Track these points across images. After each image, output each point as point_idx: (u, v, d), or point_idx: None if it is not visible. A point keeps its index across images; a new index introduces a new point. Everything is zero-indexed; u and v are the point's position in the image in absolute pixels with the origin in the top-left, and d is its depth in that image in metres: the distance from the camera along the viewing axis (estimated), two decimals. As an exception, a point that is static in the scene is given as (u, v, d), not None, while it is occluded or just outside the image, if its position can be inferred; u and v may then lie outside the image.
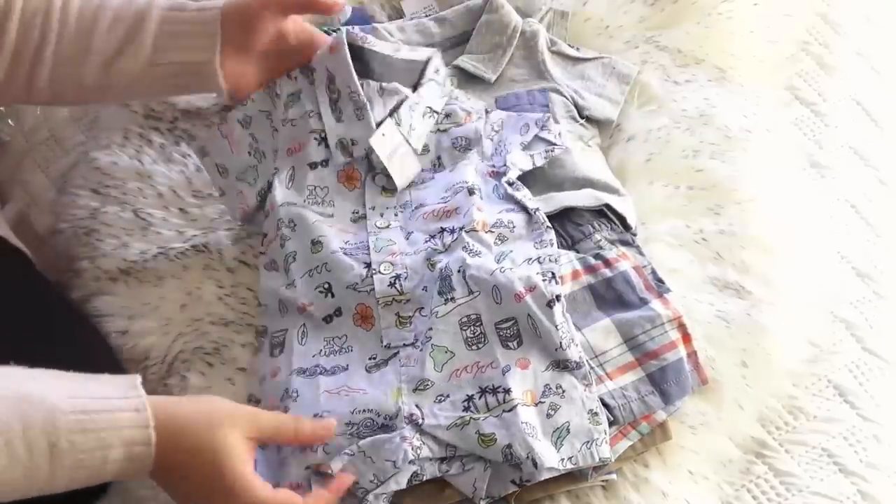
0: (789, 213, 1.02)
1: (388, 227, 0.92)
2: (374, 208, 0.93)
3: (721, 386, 0.91)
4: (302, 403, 0.84)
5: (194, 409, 0.74)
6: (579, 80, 1.07)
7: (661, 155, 1.03)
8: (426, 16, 1.10)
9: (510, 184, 0.94)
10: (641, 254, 0.95)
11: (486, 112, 1.00)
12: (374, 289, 0.87)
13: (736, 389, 0.92)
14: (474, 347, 0.84)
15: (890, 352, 0.98)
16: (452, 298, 0.85)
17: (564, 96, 1.05)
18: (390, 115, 0.94)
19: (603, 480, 0.86)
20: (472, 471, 0.81)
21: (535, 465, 0.80)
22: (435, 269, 0.87)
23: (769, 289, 0.96)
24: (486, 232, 0.89)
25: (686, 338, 0.89)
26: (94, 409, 0.69)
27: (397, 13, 1.13)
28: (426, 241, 0.90)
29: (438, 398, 0.83)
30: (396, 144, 0.94)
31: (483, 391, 0.83)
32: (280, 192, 0.94)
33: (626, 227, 0.97)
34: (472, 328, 0.85)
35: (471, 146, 0.96)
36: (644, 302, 0.90)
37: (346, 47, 0.94)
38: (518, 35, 1.07)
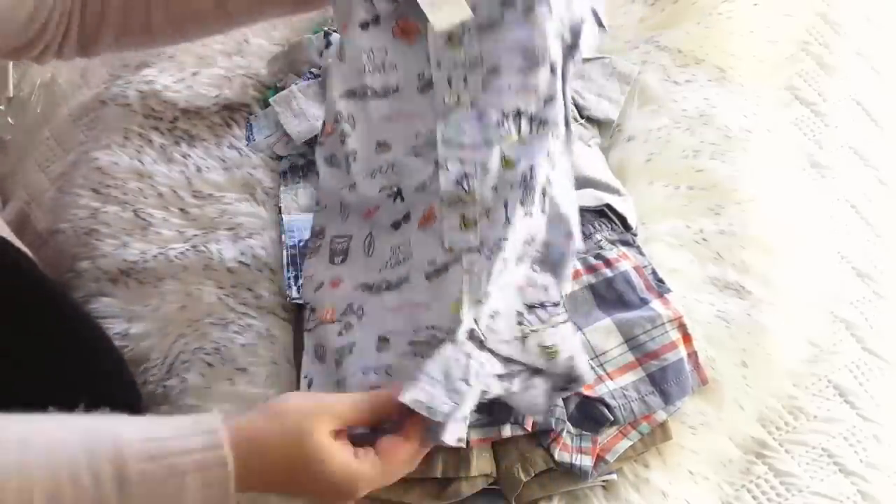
0: (789, 213, 1.02)
1: (457, 102, 0.78)
2: (440, 65, 0.79)
3: (721, 386, 0.91)
4: (367, 322, 0.80)
5: (275, 426, 0.68)
6: (580, 80, 1.07)
7: (661, 155, 1.03)
8: None
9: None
10: (642, 254, 0.95)
11: None
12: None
13: (736, 389, 0.92)
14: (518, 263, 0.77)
15: (890, 352, 0.98)
16: (530, 213, 0.75)
17: (564, 96, 1.05)
18: None
19: (603, 480, 0.86)
20: (533, 389, 0.77)
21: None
22: (514, 171, 0.75)
23: (769, 289, 0.96)
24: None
25: (686, 338, 0.89)
26: (163, 437, 0.65)
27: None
28: (499, 125, 0.76)
29: (492, 314, 0.76)
30: None
31: (531, 307, 0.77)
32: (335, 77, 0.81)
33: (627, 227, 0.97)
34: (524, 245, 0.77)
35: None
36: (644, 302, 0.90)
37: None
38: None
